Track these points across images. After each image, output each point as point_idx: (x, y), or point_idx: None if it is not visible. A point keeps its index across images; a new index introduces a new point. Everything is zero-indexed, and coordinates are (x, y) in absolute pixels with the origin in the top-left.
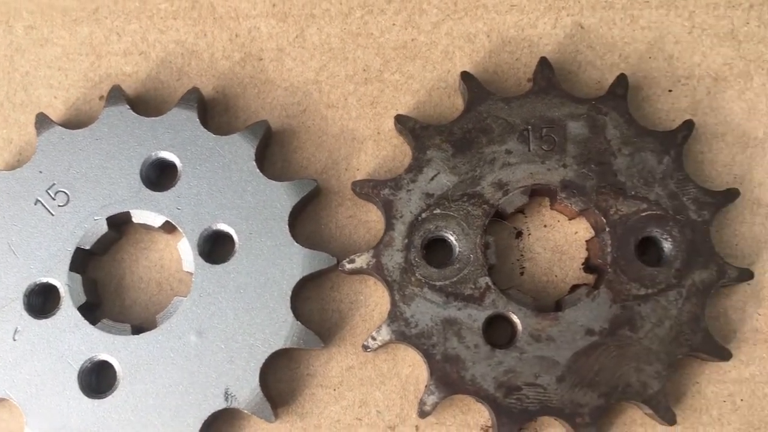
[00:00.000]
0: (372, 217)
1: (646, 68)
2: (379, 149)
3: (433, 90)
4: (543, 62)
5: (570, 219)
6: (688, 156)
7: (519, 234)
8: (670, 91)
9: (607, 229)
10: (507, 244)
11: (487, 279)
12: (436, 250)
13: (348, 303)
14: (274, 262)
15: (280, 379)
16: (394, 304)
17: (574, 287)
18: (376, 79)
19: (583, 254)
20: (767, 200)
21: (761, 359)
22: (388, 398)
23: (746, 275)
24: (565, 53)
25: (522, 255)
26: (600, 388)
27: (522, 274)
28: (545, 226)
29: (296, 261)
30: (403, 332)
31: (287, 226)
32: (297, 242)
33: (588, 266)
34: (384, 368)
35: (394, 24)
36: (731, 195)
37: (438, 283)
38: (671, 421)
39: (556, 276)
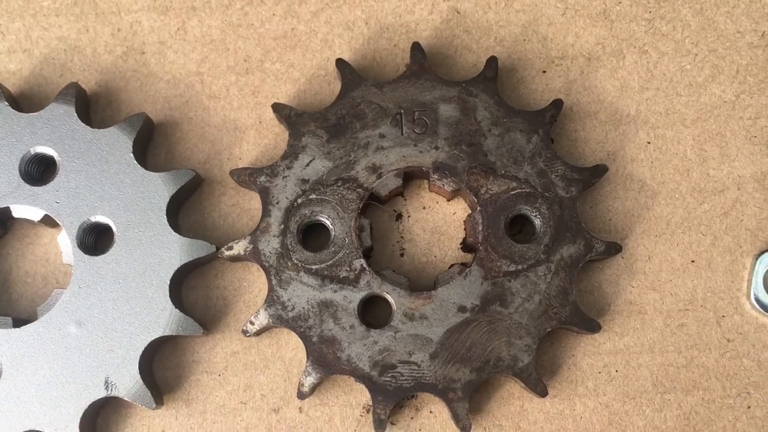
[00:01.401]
0: (255, 204)
1: (521, 50)
2: (261, 138)
3: (314, 78)
4: (415, 47)
5: (448, 200)
6: (562, 134)
7: (399, 216)
8: (544, 72)
9: (479, 209)
10: (387, 227)
11: (362, 261)
12: (314, 235)
13: (232, 290)
14: (153, 251)
15: (166, 367)
16: (271, 288)
17: (452, 266)
18: (257, 69)
19: (461, 234)
20: (639, 175)
21: (635, 330)
22: (272, 381)
23: (614, 249)
24: (442, 38)
25: (402, 237)
26: (472, 363)
27: (402, 255)
28: (424, 208)
29: (174, 250)
30: (281, 316)
31: (165, 216)
32: (179, 232)
33: (465, 245)
34: (268, 352)
35: (274, 14)
36: (598, 171)
37: (314, 267)
38: (542, 392)
39: (435, 256)
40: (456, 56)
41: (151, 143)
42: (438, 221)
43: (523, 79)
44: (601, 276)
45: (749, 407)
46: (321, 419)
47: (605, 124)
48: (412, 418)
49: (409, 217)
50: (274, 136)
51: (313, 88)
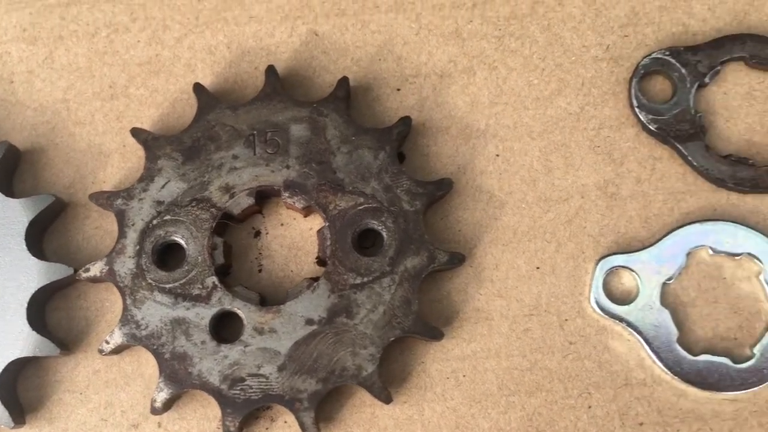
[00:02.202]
0: (117, 227)
1: (376, 69)
2: (125, 162)
3: (177, 102)
4: (269, 70)
5: (305, 216)
6: (415, 150)
7: (257, 233)
8: (398, 89)
9: (327, 224)
10: (246, 244)
11: (214, 279)
12: (173, 255)
13: (94, 310)
14: (11, 275)
15: (29, 387)
16: (125, 308)
17: (302, 281)
18: (122, 94)
19: (316, 249)
20: (488, 187)
21: (482, 336)
22: (133, 398)
23: (457, 259)
24: (301, 59)
25: (260, 253)
26: (318, 373)
27: (260, 271)
28: (282, 224)
29: (32, 273)
30: (134, 334)
31: (24, 241)
32: (43, 255)
33: (319, 260)
34: (128, 370)
35: (138, 41)
36: (443, 185)
37: (168, 286)
38: (386, 399)
39: (292, 271)
40: (314, 77)
41: (18, 170)
42: (295, 237)
43: (378, 97)
44: (450, 285)
45: (590, 407)
46: None
47: (456, 138)
48: (267, 428)
49: (267, 233)
50: (138, 159)
51: (176, 111)
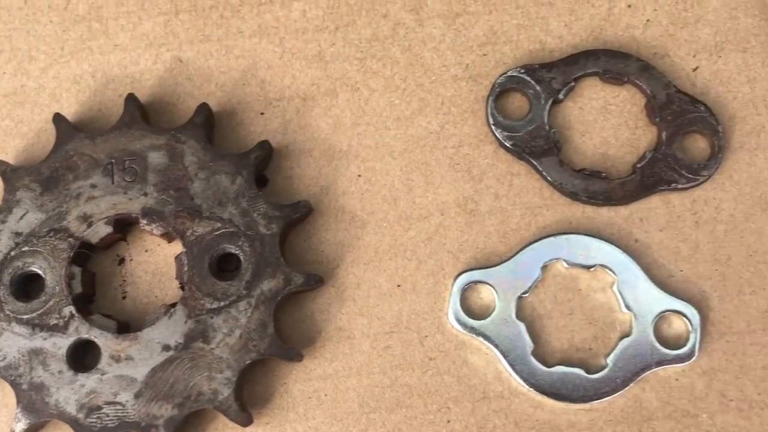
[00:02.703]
0: None
1: (240, 94)
2: None
3: (41, 132)
4: (129, 98)
5: (168, 242)
6: (279, 173)
7: (122, 261)
8: (262, 113)
9: (185, 250)
10: (110, 271)
11: (72, 308)
12: (35, 286)
13: None
14: None
15: None
16: None
17: (160, 307)
18: None
19: None
20: (350, 207)
21: (344, 355)
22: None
23: (313, 280)
24: (166, 86)
25: (125, 280)
26: (175, 399)
27: (124, 298)
28: (146, 251)
29: None
30: None
31: None
32: None
33: (182, 285)
34: None
35: (4, 73)
36: (299, 207)
37: (25, 317)
38: (244, 422)
39: (156, 297)
40: (179, 103)
41: None
42: (159, 263)
43: (242, 121)
44: (313, 305)
45: (449, 421)
46: None
47: (319, 160)
48: None
49: (131, 260)
50: (2, 191)
51: (41, 142)
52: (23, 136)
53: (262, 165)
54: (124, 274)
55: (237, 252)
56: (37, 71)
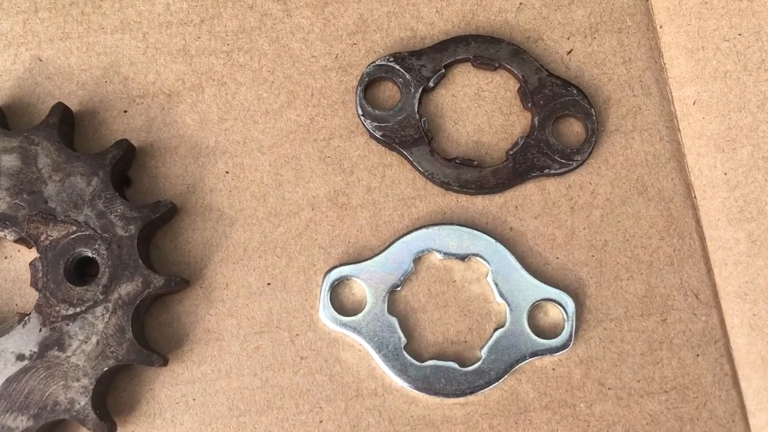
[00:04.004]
0: None
1: (102, 92)
2: None
3: None
4: None
5: (29, 248)
6: (143, 171)
7: None
8: (125, 111)
9: (39, 255)
10: None
11: None
12: None
13: None
14: None
15: None
16: None
17: (14, 315)
18: None
19: None
20: (218, 205)
21: (213, 357)
22: None
23: (174, 282)
24: (25, 87)
25: None
26: (30, 410)
27: None
28: (6, 257)
29: None
30: None
31: None
32: None
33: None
34: None
35: None
36: (158, 207)
37: None
38: (104, 431)
39: (16, 305)
40: (39, 104)
41: None
42: (20, 269)
43: (104, 120)
44: (180, 307)
45: (321, 421)
46: None
47: (185, 157)
48: None
49: None
50: None
51: None
52: None
53: (123, 165)
54: None
55: (93, 255)
56: None
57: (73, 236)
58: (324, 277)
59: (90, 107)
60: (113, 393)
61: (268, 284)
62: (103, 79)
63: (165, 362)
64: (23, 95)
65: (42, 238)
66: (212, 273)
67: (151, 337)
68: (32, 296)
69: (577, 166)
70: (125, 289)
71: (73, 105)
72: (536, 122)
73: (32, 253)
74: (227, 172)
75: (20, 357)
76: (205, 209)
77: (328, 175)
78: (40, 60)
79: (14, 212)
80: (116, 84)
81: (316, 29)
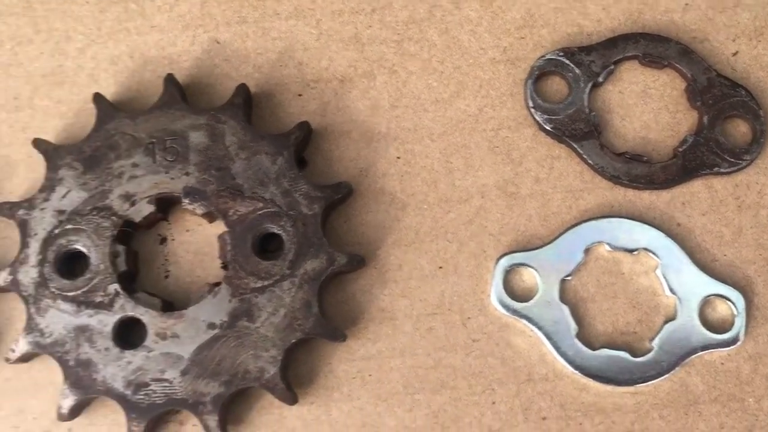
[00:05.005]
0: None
1: (278, 76)
2: (31, 172)
3: (80, 112)
4: (168, 79)
5: (209, 222)
6: (318, 154)
7: (163, 240)
8: (300, 95)
9: (227, 229)
10: (153, 251)
11: (116, 285)
12: (78, 263)
13: (4, 320)
14: None
15: None
16: (29, 316)
17: (204, 286)
18: (26, 105)
19: None
20: (390, 189)
21: (387, 336)
22: (43, 405)
23: (356, 261)
24: (203, 67)
25: (167, 260)
26: (221, 377)
27: (167, 277)
28: (188, 230)
29: None
30: (38, 342)
31: None
32: None
33: (225, 265)
34: (39, 377)
35: (42, 53)
36: (341, 188)
37: (70, 294)
38: (290, 401)
39: (198, 276)
40: (216, 84)
41: None
42: (201, 243)
43: (280, 103)
44: (355, 286)
45: (494, 402)
46: None
47: (358, 142)
48: None
49: (173, 240)
50: (44, 170)
51: (80, 122)
52: (62, 116)
53: (302, 146)
54: (166, 254)
55: (279, 232)
56: (74, 52)
57: (260, 212)
58: (496, 263)
59: (266, 89)
60: (293, 366)
61: (440, 268)
62: (278, 63)
63: (345, 338)
64: (201, 76)
65: (230, 213)
66: (385, 254)
67: (328, 313)
68: (213, 268)
69: (746, 166)
70: (311, 265)
71: (249, 87)
72: (705, 121)
73: (214, 228)
74: (399, 158)
75: (211, 326)
76: (377, 192)
77: (497, 165)
78: (217, 42)
79: (203, 187)
80: (291, 68)
81: (484, 22)
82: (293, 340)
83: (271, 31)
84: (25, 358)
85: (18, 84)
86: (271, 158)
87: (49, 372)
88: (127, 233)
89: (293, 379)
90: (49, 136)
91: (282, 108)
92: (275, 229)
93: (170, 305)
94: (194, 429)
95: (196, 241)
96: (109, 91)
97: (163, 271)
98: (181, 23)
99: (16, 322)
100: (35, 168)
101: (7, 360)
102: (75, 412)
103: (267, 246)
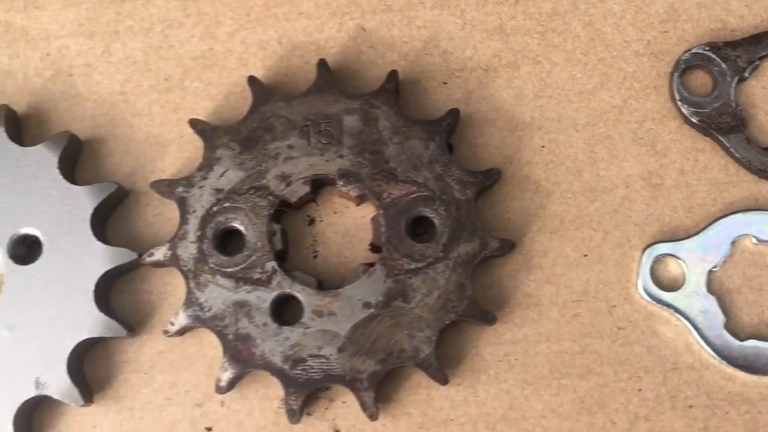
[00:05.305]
0: (177, 214)
1: (423, 64)
2: (182, 151)
3: (230, 94)
4: (321, 63)
5: (357, 205)
6: (463, 141)
7: (312, 221)
8: (445, 83)
9: (381, 212)
10: (301, 231)
11: (274, 263)
12: (230, 240)
13: (158, 294)
14: (78, 259)
15: (97, 368)
16: (189, 291)
17: (358, 266)
18: (177, 87)
19: (370, 236)
20: (535, 177)
21: (533, 321)
22: (196, 378)
23: (507, 246)
24: (349, 54)
25: (315, 240)
26: (377, 355)
27: (315, 257)
28: (335, 212)
29: (98, 258)
30: (198, 316)
31: (90, 227)
32: (107, 241)
33: (373, 247)
34: (191, 351)
35: (192, 36)
36: (492, 174)
37: (229, 270)
38: (443, 380)
39: (346, 257)
40: (363, 71)
41: (80, 159)
42: (348, 225)
43: (425, 90)
44: (500, 271)
45: (640, 390)
46: (242, 412)
47: (502, 130)
48: (326, 408)
49: (321, 221)
50: (195, 149)
51: (229, 104)
52: (212, 98)
53: (450, 133)
54: (314, 234)
55: (432, 215)
56: (224, 36)
57: (413, 196)
58: (643, 253)
59: (411, 77)
60: (440, 347)
61: (585, 256)
62: (424, 52)
63: (495, 321)
64: (348, 62)
65: (384, 196)
66: (530, 241)
67: (475, 297)
68: (360, 250)
69: None
70: (464, 248)
71: None
72: None
73: (361, 210)
74: (543, 147)
75: (367, 305)
76: (522, 180)
77: (642, 156)
78: (363, 29)
79: (357, 169)
80: (436, 57)
81: (628, 15)
82: (447, 322)
83: (416, 19)
84: (182, 332)
85: (168, 66)
86: (424, 143)
87: (201, 346)
88: (281, 213)
89: (440, 360)
90: (200, 117)
91: (427, 95)
92: (428, 213)
93: (320, 284)
94: (343, 406)
95: (344, 223)
96: (257, 75)
97: (312, 251)
98: (328, 10)
99: (169, 297)
100: (186, 148)
101: (166, 333)
102: (231, 385)
103: (415, 229)
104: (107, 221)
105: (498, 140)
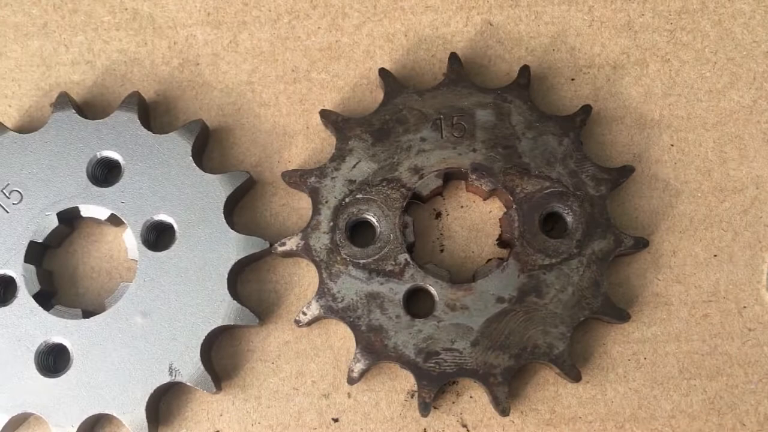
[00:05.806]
0: (303, 204)
1: (550, 60)
2: (308, 142)
3: (357, 86)
4: (453, 57)
5: (484, 199)
6: (591, 138)
7: (438, 215)
8: (572, 79)
9: (514, 206)
10: (427, 224)
11: (406, 255)
12: (360, 232)
13: (284, 284)
14: (211, 247)
15: (223, 356)
16: (321, 281)
17: (489, 261)
18: (304, 78)
19: (497, 231)
20: (664, 176)
21: (662, 320)
22: (322, 369)
23: (641, 243)
24: (476, 48)
25: (441, 234)
26: (510, 350)
27: (442, 251)
28: (462, 206)
29: (231, 246)
30: (331, 306)
31: (222, 215)
32: (234, 229)
33: (501, 241)
34: (318, 342)
35: (319, 28)
36: (626, 171)
37: (361, 261)
38: (576, 378)
39: (473, 252)
40: (490, 65)
41: (207, 148)
42: (475, 219)
43: (553, 86)
44: (629, 270)
45: None
46: (368, 404)
47: (631, 128)
48: (453, 402)
49: (447, 215)
50: (321, 140)
51: (356, 96)
52: (339, 90)
53: (581, 129)
54: (441, 228)
55: (565, 211)
56: (351, 28)
57: (546, 191)
58: None
59: (539, 73)
60: (571, 344)
61: (715, 256)
62: (551, 47)
63: (629, 318)
64: (475, 56)
65: (517, 191)
66: (659, 240)
67: (609, 294)
68: (486, 245)
69: None
70: (598, 245)
71: (519, 69)
72: None
73: (487, 205)
74: (672, 145)
75: (500, 299)
76: (651, 178)
77: None
78: (490, 24)
79: (490, 164)
80: (563, 53)
81: (757, 15)
82: (581, 318)
83: (543, 15)
84: (313, 322)
85: (295, 57)
86: (558, 139)
87: (327, 337)
88: (413, 205)
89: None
90: (327, 108)
91: (555, 91)
92: (561, 209)
93: (451, 278)
94: (470, 401)
95: (471, 218)
96: (384, 67)
97: (438, 244)
98: (455, 4)
99: (295, 287)
100: (312, 139)
101: (298, 323)
102: (362, 376)
103: (544, 225)
104: (235, 210)
105: (626, 138)
